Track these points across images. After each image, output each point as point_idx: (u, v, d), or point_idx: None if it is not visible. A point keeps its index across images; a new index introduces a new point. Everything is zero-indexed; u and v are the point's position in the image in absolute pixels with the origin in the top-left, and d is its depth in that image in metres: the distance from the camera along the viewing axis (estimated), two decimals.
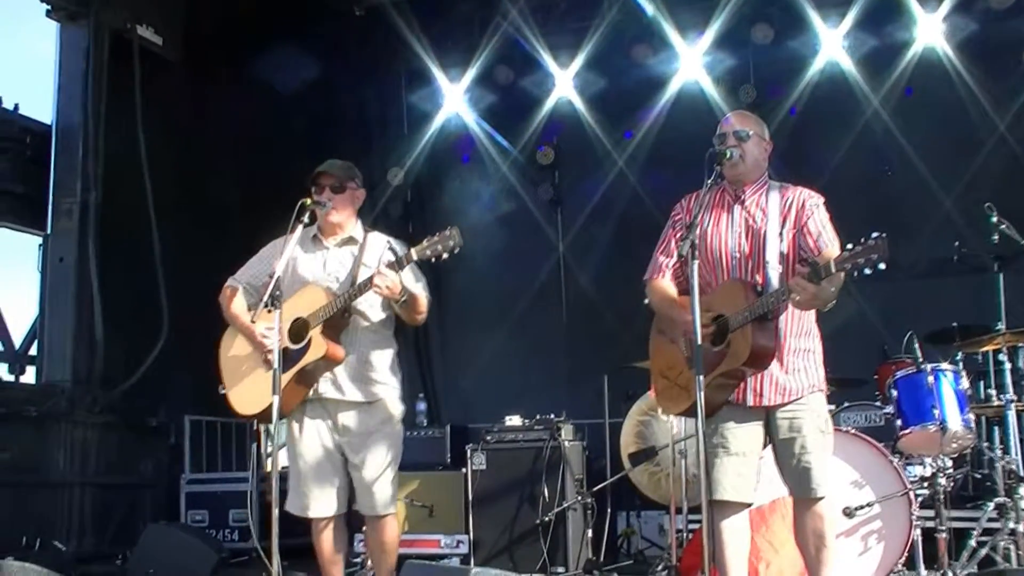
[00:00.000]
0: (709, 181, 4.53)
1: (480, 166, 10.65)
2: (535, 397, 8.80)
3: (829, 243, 4.55)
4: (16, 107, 8.34)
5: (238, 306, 5.32)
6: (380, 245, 5.07)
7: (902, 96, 9.21)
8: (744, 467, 4.55)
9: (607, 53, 10.05)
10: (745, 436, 4.57)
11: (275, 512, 4.72)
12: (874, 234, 4.01)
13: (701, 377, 4.15)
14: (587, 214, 10.22)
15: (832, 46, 9.46)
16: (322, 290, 5.08)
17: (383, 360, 5.27)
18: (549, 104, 10.29)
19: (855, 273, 4.09)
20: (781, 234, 4.63)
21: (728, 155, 4.63)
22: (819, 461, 4.54)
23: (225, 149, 9.34)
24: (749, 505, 4.62)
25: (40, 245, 8.33)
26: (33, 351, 8.25)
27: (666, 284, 4.80)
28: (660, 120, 9.82)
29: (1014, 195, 8.72)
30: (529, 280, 10.35)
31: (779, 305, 4.39)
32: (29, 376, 8.24)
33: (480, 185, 10.70)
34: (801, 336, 4.64)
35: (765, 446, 4.69)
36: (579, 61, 10.09)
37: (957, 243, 7.36)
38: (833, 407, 7.13)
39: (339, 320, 5.04)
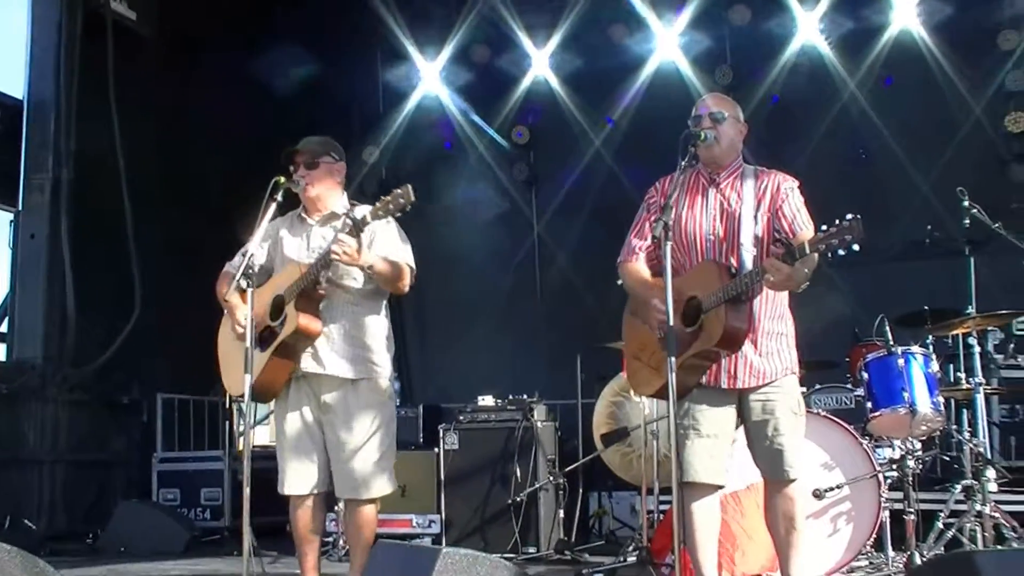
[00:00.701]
0: (683, 163, 4.52)
1: (456, 145, 10.62)
2: (511, 377, 8.82)
3: (804, 226, 4.55)
4: None
5: (224, 290, 5.26)
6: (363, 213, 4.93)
7: (878, 79, 9.25)
8: (715, 449, 4.55)
9: (583, 33, 10.07)
10: (717, 418, 4.58)
11: (246, 491, 4.70)
12: (848, 216, 4.01)
13: (673, 359, 4.15)
14: (563, 195, 10.22)
15: (809, 28, 9.50)
16: (297, 266, 5.03)
17: (369, 332, 5.11)
18: (525, 83, 10.31)
19: (829, 254, 4.09)
20: (756, 217, 4.62)
21: (703, 137, 4.61)
22: (791, 443, 4.55)
23: (200, 126, 9.28)
24: (720, 487, 4.61)
25: (11, 221, 8.27)
26: (3, 328, 8.19)
27: (640, 266, 4.79)
28: (636, 100, 9.83)
29: (989, 179, 8.81)
30: (506, 260, 10.38)
31: (753, 287, 4.39)
32: (0, 353, 8.16)
33: (456, 164, 10.67)
34: (775, 319, 4.64)
35: (737, 428, 4.70)
36: (555, 40, 10.11)
37: (929, 227, 7.40)
38: (805, 389, 7.12)
39: (313, 292, 4.92)
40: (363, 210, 4.92)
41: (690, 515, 4.56)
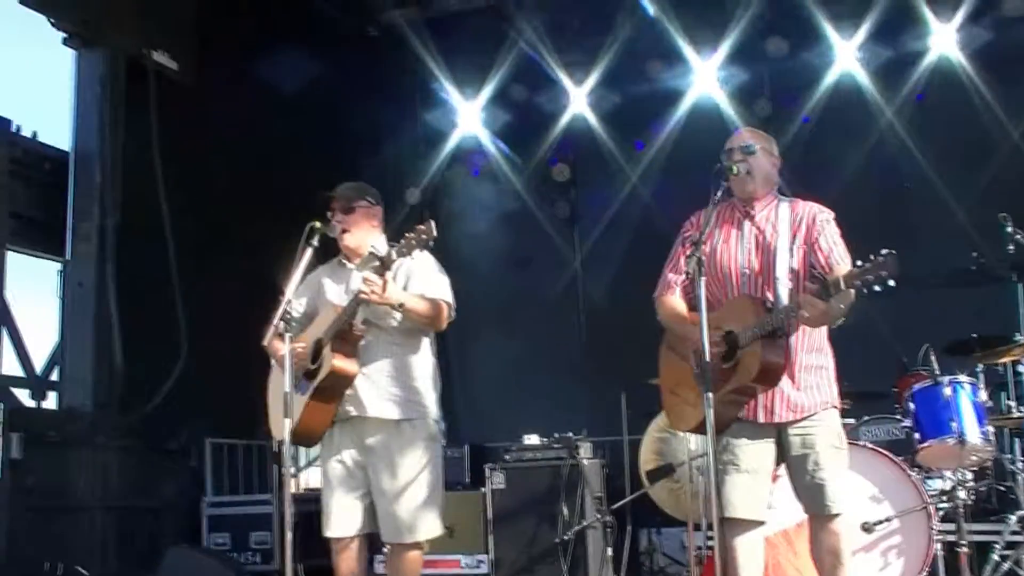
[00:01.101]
0: (716, 197, 4.53)
1: (495, 184, 10.67)
2: (554, 415, 8.78)
3: (840, 260, 4.54)
4: (35, 134, 8.38)
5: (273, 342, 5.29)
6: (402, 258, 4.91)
7: (916, 106, 9.21)
8: (755, 484, 4.53)
9: (621, 69, 10.09)
10: (756, 453, 4.55)
11: (288, 535, 4.72)
12: (883, 251, 3.99)
13: (711, 394, 4.14)
14: (602, 230, 10.25)
15: (846, 58, 9.46)
16: (332, 307, 5.07)
17: (412, 373, 5.11)
18: (564, 121, 10.35)
19: (865, 290, 4.07)
20: (791, 249, 4.62)
21: (735, 170, 4.62)
22: (833, 477, 4.51)
23: (243, 172, 9.36)
24: (762, 523, 4.59)
25: (60, 271, 8.37)
26: (54, 376, 8.27)
27: (675, 301, 4.79)
28: (674, 135, 9.83)
29: None
30: (546, 297, 10.38)
31: (789, 322, 4.37)
32: (51, 402, 8.25)
33: (496, 203, 10.70)
34: (813, 352, 4.62)
35: (778, 463, 4.66)
36: (593, 78, 10.14)
37: (975, 253, 7.33)
38: (853, 421, 7.10)
39: (348, 334, 4.94)
40: (384, 247, 4.93)
41: (732, 551, 4.53)
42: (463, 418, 10.67)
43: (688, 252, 4.43)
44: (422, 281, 5.08)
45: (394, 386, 5.07)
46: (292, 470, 8.61)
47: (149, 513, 8.35)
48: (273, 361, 5.26)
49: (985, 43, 9.08)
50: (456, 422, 10.47)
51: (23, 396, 8.07)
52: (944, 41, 9.19)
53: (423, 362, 5.19)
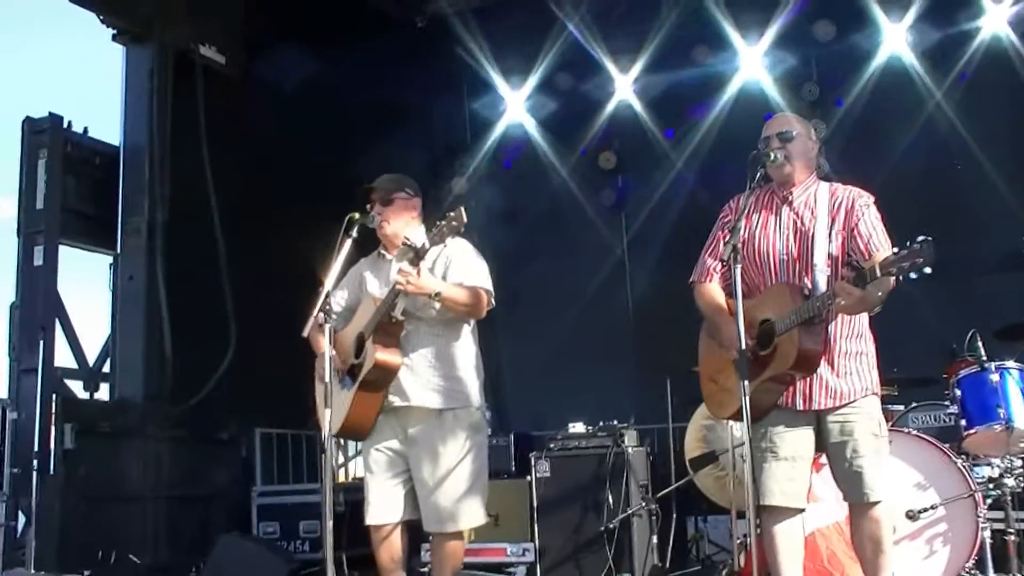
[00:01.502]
0: (752, 184, 4.50)
1: (542, 173, 10.65)
2: (602, 403, 8.76)
3: (880, 246, 4.49)
4: (86, 130, 8.50)
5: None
6: (438, 248, 4.96)
7: (966, 88, 9.06)
8: (794, 472, 4.51)
9: (667, 55, 10.03)
10: (794, 440, 4.53)
11: (328, 524, 4.76)
12: (920, 238, 3.94)
13: (746, 383, 4.12)
14: (648, 217, 10.19)
15: (895, 40, 9.35)
16: (372, 300, 5.10)
17: (455, 363, 5.14)
18: (610, 108, 10.32)
19: (901, 277, 4.03)
20: (830, 235, 4.58)
21: (773, 157, 4.60)
22: (872, 465, 4.48)
23: (291, 164, 9.43)
24: (801, 510, 4.56)
25: (111, 264, 8.49)
26: (106, 368, 8.40)
27: (713, 288, 4.78)
28: (720, 120, 9.77)
29: None
30: (593, 285, 10.34)
31: (827, 309, 4.34)
32: (103, 393, 8.37)
33: (542, 191, 10.69)
34: (852, 339, 4.58)
35: (818, 451, 4.63)
36: (639, 64, 10.10)
37: None
38: (902, 407, 7.04)
39: (389, 326, 4.98)
40: (422, 238, 4.95)
41: (771, 539, 4.52)
42: (512, 407, 10.70)
43: (725, 239, 4.42)
44: (461, 269, 5.09)
45: (436, 375, 5.09)
46: (340, 460, 8.74)
47: (199, 502, 8.47)
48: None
49: None
50: (505, 411, 10.54)
51: (76, 387, 8.22)
52: (996, 20, 9.04)
53: (465, 351, 5.20)
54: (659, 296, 9.85)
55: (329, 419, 4.78)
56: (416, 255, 4.78)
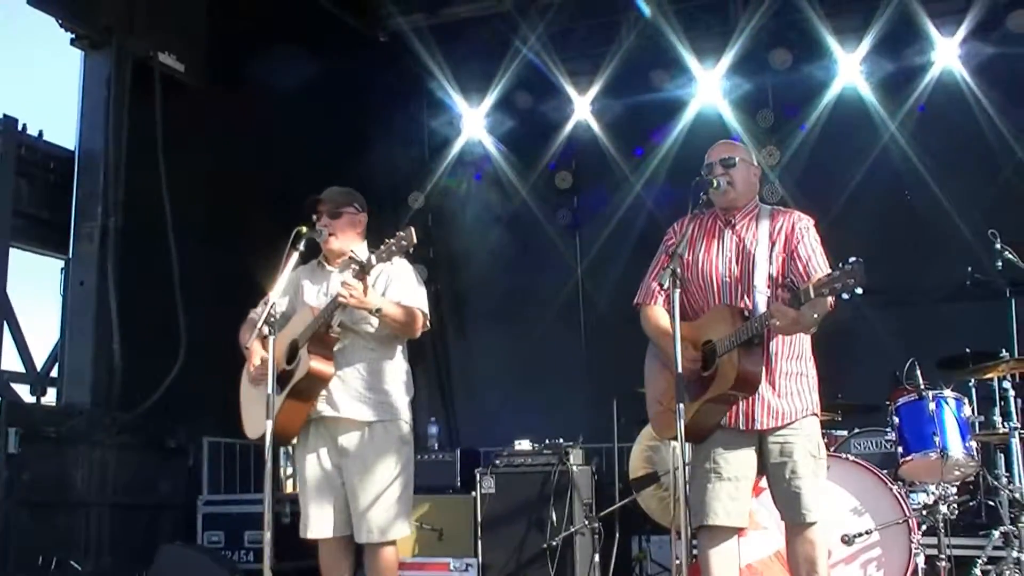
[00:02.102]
0: (694, 211, 4.58)
1: (499, 190, 10.72)
2: (554, 420, 8.83)
3: (818, 268, 4.57)
4: (40, 134, 8.47)
5: (247, 337, 5.40)
6: (382, 265, 5.00)
7: (919, 120, 9.23)
8: (737, 492, 4.57)
9: (625, 78, 10.15)
10: (738, 461, 4.59)
11: (266, 535, 4.79)
12: (851, 259, 4.02)
13: (681, 405, 4.19)
14: (605, 238, 10.28)
15: (849, 70, 9.51)
16: (309, 309, 5.14)
17: (386, 378, 5.21)
18: (567, 129, 10.41)
19: (833, 298, 4.11)
20: (770, 258, 4.66)
21: (716, 184, 4.67)
22: (810, 486, 4.54)
23: (247, 173, 9.42)
24: (740, 529, 4.63)
25: (62, 269, 8.46)
26: (54, 373, 8.36)
27: (658, 311, 4.84)
28: (677, 144, 9.87)
29: None
30: (549, 304, 10.42)
31: (764, 329, 4.42)
32: (50, 398, 8.32)
33: (499, 209, 10.76)
34: (793, 359, 4.65)
35: (760, 472, 4.70)
36: (597, 86, 10.21)
37: (970, 268, 7.34)
38: (845, 433, 7.14)
39: (325, 336, 5.02)
40: (366, 253, 4.99)
41: (707, 560, 4.58)
42: (463, 423, 10.75)
43: (662, 266, 4.49)
44: (400, 288, 5.15)
45: (367, 389, 5.16)
46: (289, 471, 8.72)
47: (145, 510, 8.41)
48: (247, 362, 5.35)
49: (989, 58, 9.10)
50: (456, 426, 10.58)
51: (23, 392, 8.16)
52: (947, 55, 9.21)
53: (396, 367, 5.28)
54: (612, 316, 9.93)
55: (271, 429, 4.79)
56: (362, 270, 4.81)
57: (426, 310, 5.22)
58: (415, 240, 4.75)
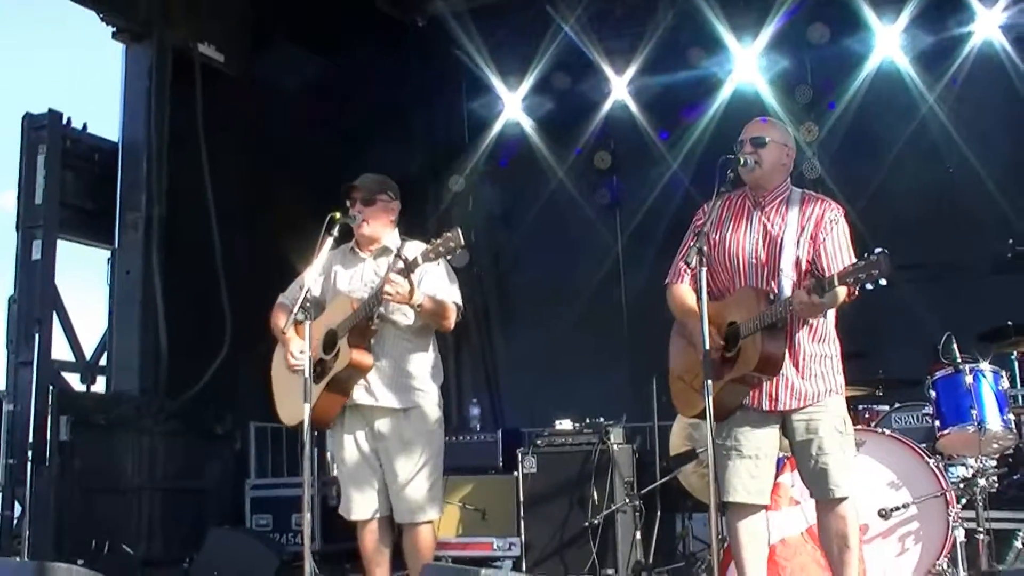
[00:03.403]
0: (721, 188, 4.60)
1: (538, 172, 10.74)
2: (596, 400, 8.84)
3: (843, 264, 4.55)
4: (85, 126, 8.61)
5: (281, 322, 5.50)
6: (414, 253, 5.10)
7: (958, 92, 9.14)
8: (757, 469, 4.61)
9: (662, 57, 10.15)
10: (759, 439, 4.63)
11: (306, 516, 4.89)
12: (877, 250, 4.05)
13: (710, 383, 4.22)
14: (643, 217, 10.28)
15: (888, 43, 9.42)
16: (348, 300, 5.23)
17: (418, 366, 5.35)
18: (605, 108, 10.42)
19: (858, 288, 4.14)
20: (798, 243, 4.68)
21: (743, 162, 4.69)
22: (837, 462, 4.57)
23: (289, 161, 9.53)
24: (764, 506, 4.67)
25: (108, 259, 8.61)
26: (103, 362, 8.52)
27: (684, 289, 4.88)
28: (715, 121, 9.84)
29: None
30: (589, 283, 10.44)
31: (788, 314, 4.44)
32: (99, 386, 8.49)
33: (539, 190, 10.77)
34: (817, 341, 4.67)
35: (782, 449, 4.74)
36: (635, 66, 10.19)
37: (1011, 240, 7.30)
38: (887, 408, 7.12)
39: (365, 328, 5.14)
40: (414, 250, 5.09)
41: (736, 535, 4.64)
42: (506, 403, 10.81)
43: (691, 243, 4.53)
44: (434, 282, 5.25)
45: (402, 377, 5.29)
46: (330, 455, 8.83)
47: (194, 495, 8.58)
48: (279, 345, 5.52)
49: None
50: (499, 407, 10.65)
51: (73, 380, 8.34)
52: (988, 25, 9.11)
53: (429, 355, 5.41)
54: (652, 295, 9.86)
55: (309, 414, 4.89)
56: (407, 268, 4.91)
57: (460, 302, 5.34)
58: (463, 242, 4.83)
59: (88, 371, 8.42)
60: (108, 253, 8.64)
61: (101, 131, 8.76)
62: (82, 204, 8.58)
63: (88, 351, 8.47)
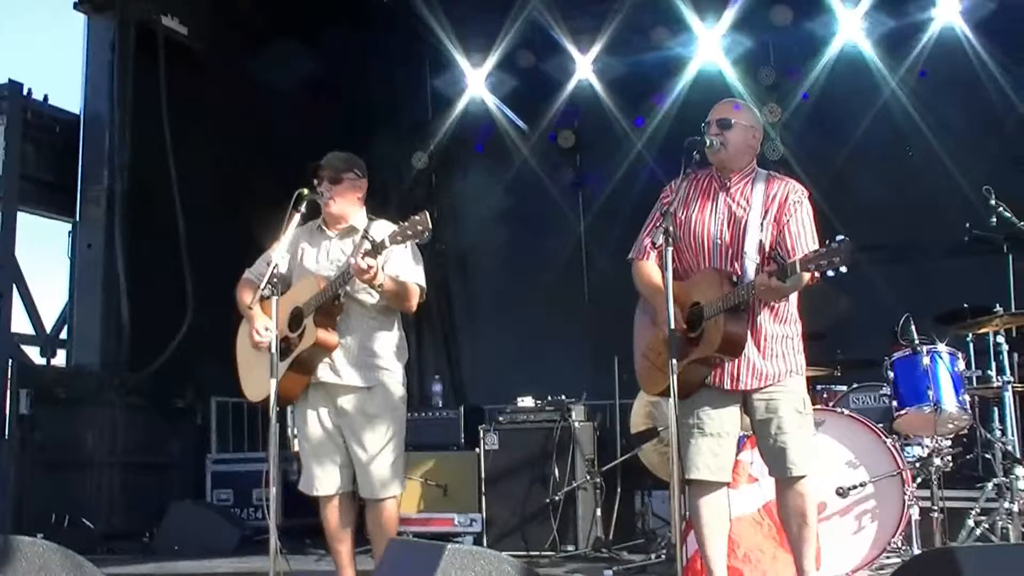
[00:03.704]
0: (686, 169, 4.63)
1: (502, 149, 10.74)
2: (558, 378, 8.89)
3: (806, 246, 4.60)
4: (46, 97, 8.57)
5: (247, 298, 5.49)
6: (381, 233, 5.12)
7: (920, 77, 9.22)
8: (719, 447, 4.66)
9: (627, 37, 10.14)
10: (721, 418, 4.68)
11: (272, 491, 4.91)
12: (838, 237, 4.10)
13: (675, 361, 4.27)
14: (607, 197, 10.30)
15: (850, 27, 9.49)
16: (315, 278, 5.23)
17: (383, 345, 5.34)
18: (569, 87, 10.42)
19: (819, 274, 4.19)
20: (762, 225, 4.70)
21: (709, 143, 4.71)
22: (796, 440, 4.63)
23: (252, 135, 9.50)
24: (725, 484, 4.73)
25: (70, 232, 8.57)
26: (64, 335, 8.48)
27: (650, 266, 4.90)
28: (679, 102, 9.87)
29: None
30: (552, 262, 10.47)
31: (750, 297, 4.50)
32: (60, 360, 8.46)
33: (502, 168, 10.78)
34: (779, 322, 4.72)
35: (744, 428, 4.80)
36: (599, 45, 10.20)
37: (968, 224, 7.39)
38: (844, 388, 7.22)
39: (331, 307, 5.15)
40: (381, 230, 5.11)
41: (697, 512, 4.70)
42: (468, 380, 10.85)
43: (656, 223, 4.56)
44: (398, 264, 5.24)
45: (367, 355, 5.28)
46: (294, 431, 8.84)
47: (155, 469, 8.59)
48: (244, 320, 5.50)
49: (989, 13, 9.06)
50: (461, 384, 10.67)
51: (33, 354, 8.30)
52: (948, 10, 9.20)
53: (393, 334, 5.40)
54: (614, 274, 9.90)
55: (275, 389, 4.89)
56: (374, 249, 4.91)
57: (423, 284, 5.33)
58: (431, 225, 4.83)
59: (48, 344, 8.40)
60: (69, 226, 8.60)
61: (63, 103, 8.72)
62: (43, 176, 8.56)
63: (48, 324, 8.43)
